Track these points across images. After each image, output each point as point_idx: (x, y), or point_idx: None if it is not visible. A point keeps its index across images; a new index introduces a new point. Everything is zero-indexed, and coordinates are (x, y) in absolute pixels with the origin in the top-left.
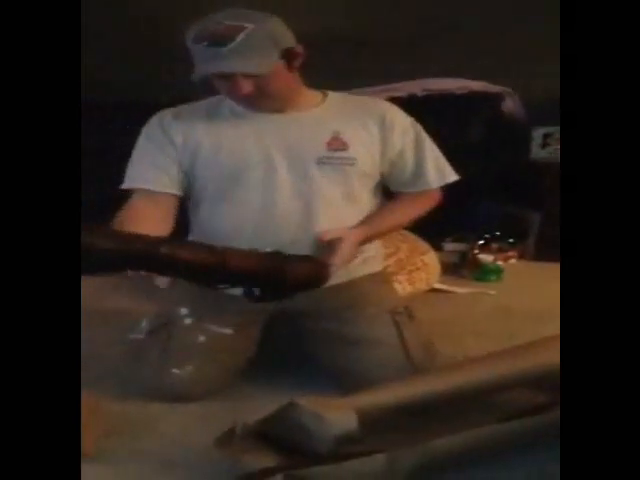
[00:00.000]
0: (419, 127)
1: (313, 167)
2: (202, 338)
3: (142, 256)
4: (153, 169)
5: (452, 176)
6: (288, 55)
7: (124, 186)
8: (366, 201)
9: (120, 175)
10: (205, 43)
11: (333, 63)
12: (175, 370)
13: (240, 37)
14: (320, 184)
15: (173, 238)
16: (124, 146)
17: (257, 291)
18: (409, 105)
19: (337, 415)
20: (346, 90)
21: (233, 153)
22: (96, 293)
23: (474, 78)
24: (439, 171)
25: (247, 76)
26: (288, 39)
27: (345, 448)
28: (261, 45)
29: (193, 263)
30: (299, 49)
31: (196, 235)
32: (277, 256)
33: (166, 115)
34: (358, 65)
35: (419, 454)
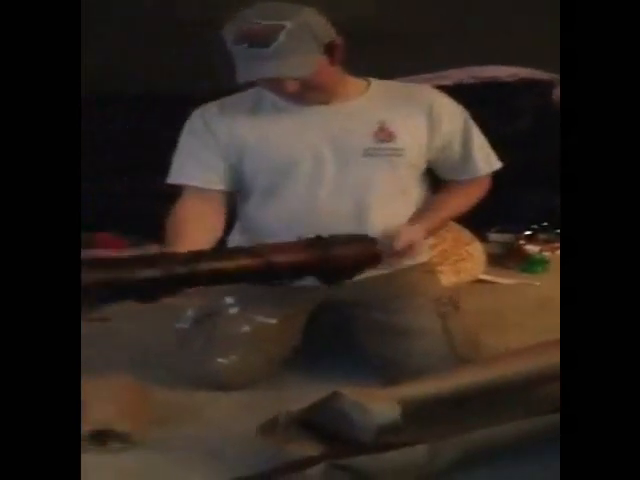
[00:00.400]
0: (466, 114)
1: (360, 159)
2: (247, 328)
3: (184, 278)
4: (200, 166)
5: (497, 164)
6: (329, 49)
7: (170, 180)
8: (415, 191)
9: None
10: (246, 45)
11: (372, 53)
12: (220, 359)
13: (281, 37)
14: (368, 176)
15: (210, 251)
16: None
17: (314, 280)
18: (456, 93)
19: (380, 405)
20: (391, 79)
21: (280, 147)
22: None
23: (523, 65)
24: (486, 158)
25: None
26: (328, 32)
27: (387, 438)
28: (303, 43)
29: (237, 272)
30: (339, 41)
31: (242, 229)
32: (320, 241)
33: (208, 109)
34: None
35: (461, 445)
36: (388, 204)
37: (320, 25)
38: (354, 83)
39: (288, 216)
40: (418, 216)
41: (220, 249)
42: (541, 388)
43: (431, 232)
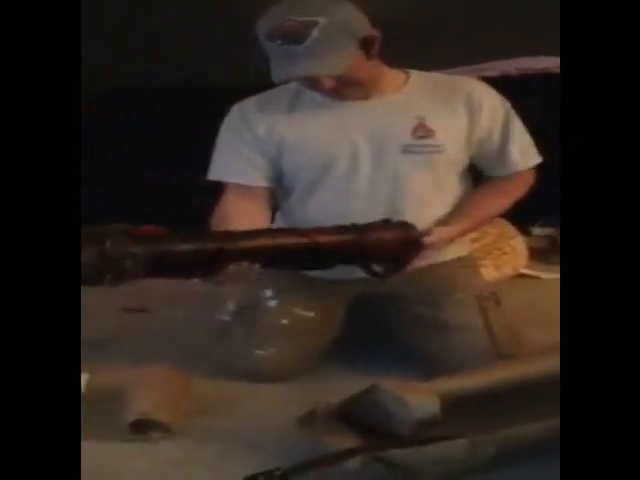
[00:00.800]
0: (508, 105)
1: (398, 156)
2: (285, 320)
3: (227, 253)
4: (240, 162)
5: (536, 158)
6: (366, 44)
7: (210, 177)
8: (454, 188)
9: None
10: (279, 42)
11: (412, 45)
12: (258, 351)
13: (314, 34)
14: (405, 174)
15: (264, 228)
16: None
17: (378, 268)
18: (502, 84)
19: (420, 399)
20: (434, 71)
21: (319, 144)
22: None
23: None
24: (523, 153)
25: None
26: (363, 26)
27: (426, 432)
28: (337, 39)
29: (289, 248)
30: (376, 35)
31: (284, 225)
32: (356, 227)
33: (246, 105)
34: (441, 46)
35: (501, 440)
36: (425, 202)
37: (355, 19)
38: (393, 76)
39: (326, 213)
40: (452, 216)
41: (265, 229)
42: None
43: (464, 234)
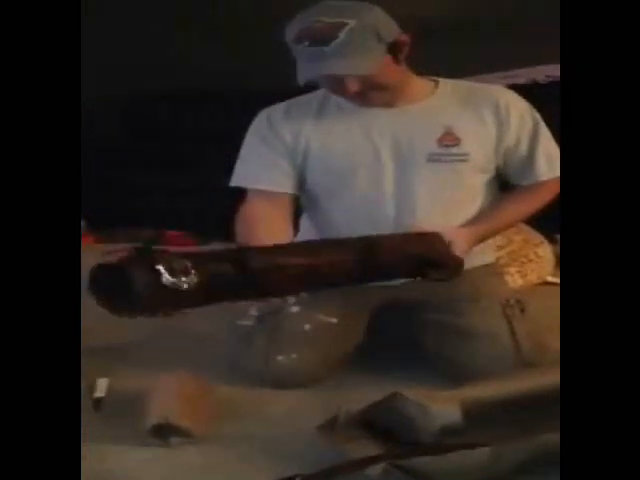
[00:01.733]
0: (537, 114)
1: (422, 165)
2: (308, 326)
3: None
4: (266, 168)
5: None
6: (394, 48)
7: (234, 183)
8: (480, 196)
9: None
10: (306, 43)
11: (440, 51)
12: (280, 357)
13: (342, 35)
14: (430, 182)
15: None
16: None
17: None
18: (531, 92)
19: (442, 407)
20: (461, 78)
21: (343, 153)
22: None
23: None
24: (550, 163)
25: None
26: (392, 30)
27: (448, 440)
28: (365, 42)
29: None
30: (405, 39)
31: (309, 232)
32: (419, 237)
33: (274, 111)
34: (469, 52)
35: (525, 449)
36: (449, 210)
37: (384, 23)
38: (422, 84)
39: (350, 219)
40: (472, 221)
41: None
42: None
43: (482, 239)
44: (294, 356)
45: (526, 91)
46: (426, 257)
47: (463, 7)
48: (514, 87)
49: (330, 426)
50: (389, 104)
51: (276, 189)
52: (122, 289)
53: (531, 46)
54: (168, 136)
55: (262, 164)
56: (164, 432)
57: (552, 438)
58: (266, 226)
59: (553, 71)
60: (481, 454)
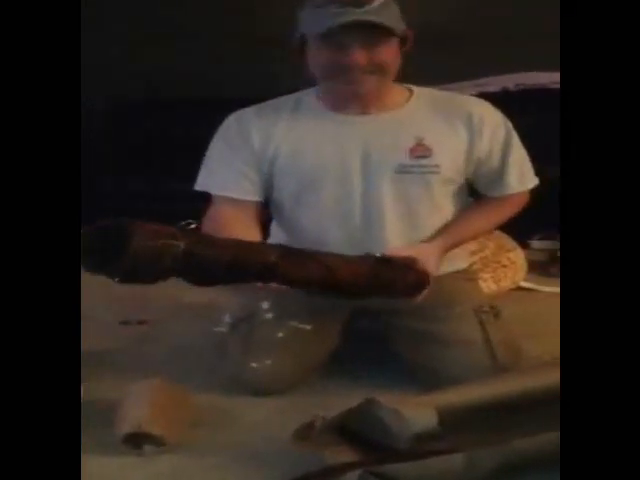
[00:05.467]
0: (510, 125)
1: (391, 176)
2: (282, 333)
3: (255, 268)
4: (231, 175)
5: (533, 181)
6: (405, 36)
7: (199, 187)
8: (448, 208)
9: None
10: (335, 5)
11: (410, 59)
12: (254, 364)
13: (376, 3)
14: (398, 194)
15: (280, 246)
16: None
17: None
18: (501, 100)
19: (417, 412)
20: (433, 86)
21: (312, 159)
22: (180, 286)
23: None
24: (521, 176)
25: (364, 47)
26: (404, 25)
27: (424, 446)
28: (394, 15)
29: (304, 278)
30: (410, 34)
31: (277, 239)
32: (385, 262)
33: (244, 115)
34: (440, 60)
35: (499, 454)
36: (417, 220)
37: (399, 15)
38: (397, 91)
39: (316, 229)
40: (439, 232)
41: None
42: None
43: (448, 250)
44: (268, 362)
45: (497, 99)
46: (394, 284)
47: (433, 16)
48: (485, 95)
49: (305, 433)
50: (364, 111)
51: (241, 197)
52: (118, 248)
53: (501, 54)
54: (167, 142)
55: (228, 171)
56: (138, 440)
57: (526, 443)
58: (230, 232)
59: (524, 79)
60: (456, 460)
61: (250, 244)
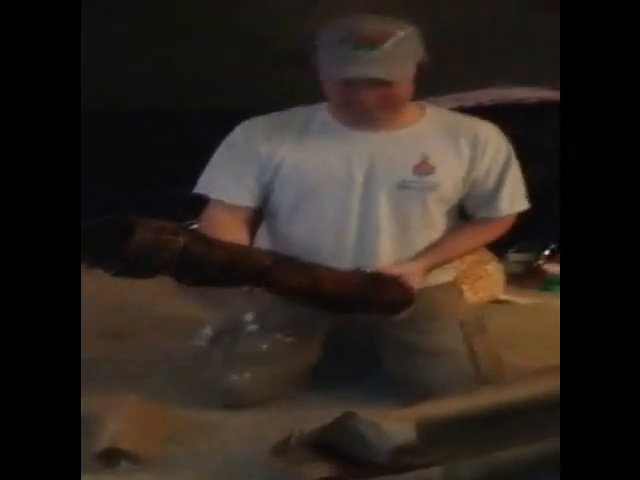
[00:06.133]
0: (511, 150)
1: (392, 191)
2: (264, 346)
3: (250, 271)
4: (233, 181)
5: (524, 205)
6: (419, 68)
7: (198, 190)
8: (441, 226)
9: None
10: (351, 45)
11: None
12: (234, 376)
13: (390, 43)
14: (395, 209)
15: (274, 252)
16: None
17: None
18: (477, 115)
19: (396, 426)
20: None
21: (316, 171)
22: (158, 298)
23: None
24: (513, 200)
25: (375, 88)
26: (422, 51)
27: (403, 459)
28: (406, 53)
29: (293, 286)
30: (426, 63)
31: (271, 246)
32: (372, 278)
33: (255, 125)
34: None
35: (478, 467)
36: (409, 236)
37: (419, 42)
38: (411, 109)
39: (313, 240)
40: (426, 251)
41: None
42: None
43: (432, 268)
44: (249, 375)
45: (472, 114)
46: (379, 300)
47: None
48: (462, 110)
49: (282, 448)
50: (375, 128)
51: (238, 203)
52: (121, 241)
53: (482, 68)
54: (166, 150)
55: (229, 177)
56: (113, 457)
57: (505, 455)
58: (222, 235)
59: (500, 94)
60: (434, 473)
61: (246, 247)
